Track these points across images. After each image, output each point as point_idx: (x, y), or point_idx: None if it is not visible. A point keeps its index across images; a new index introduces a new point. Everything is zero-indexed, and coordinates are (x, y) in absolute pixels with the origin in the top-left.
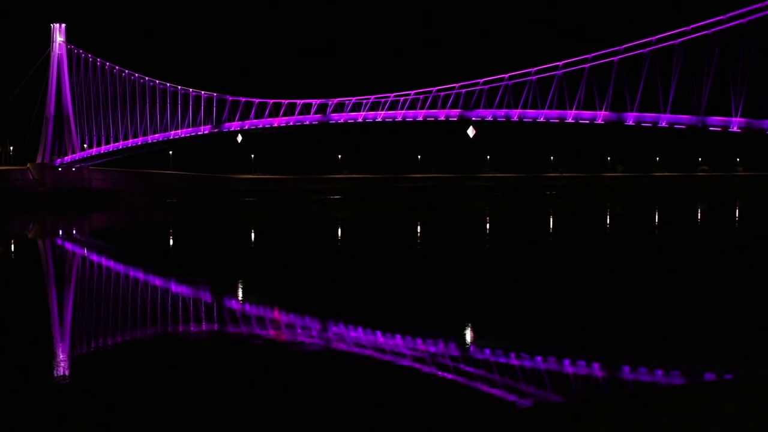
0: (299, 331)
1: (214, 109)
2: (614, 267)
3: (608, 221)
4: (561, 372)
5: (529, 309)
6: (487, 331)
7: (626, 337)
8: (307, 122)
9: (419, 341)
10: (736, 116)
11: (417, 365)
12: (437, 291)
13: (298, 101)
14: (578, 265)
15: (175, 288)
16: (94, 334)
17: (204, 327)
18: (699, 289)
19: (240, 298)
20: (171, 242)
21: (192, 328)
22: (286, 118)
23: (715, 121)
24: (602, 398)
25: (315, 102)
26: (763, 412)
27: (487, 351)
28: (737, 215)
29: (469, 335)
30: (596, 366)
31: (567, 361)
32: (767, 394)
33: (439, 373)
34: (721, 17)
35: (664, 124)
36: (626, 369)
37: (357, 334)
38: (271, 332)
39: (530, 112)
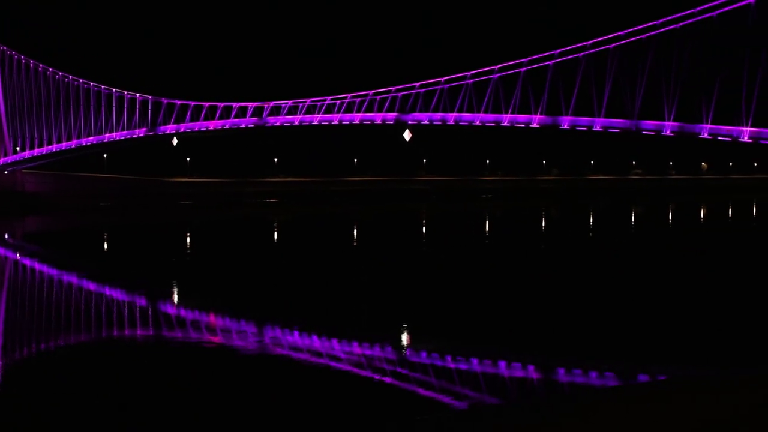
0: (235, 335)
1: (149, 111)
2: (550, 269)
3: (543, 224)
4: (497, 374)
5: (465, 311)
6: (424, 334)
7: (562, 338)
8: (243, 125)
9: (356, 344)
10: (669, 120)
11: (354, 369)
12: (374, 294)
13: (234, 104)
14: (514, 267)
15: (109, 292)
16: (26, 339)
17: (139, 331)
18: (632, 289)
19: (175, 303)
20: (105, 246)
21: (127, 333)
22: (222, 121)
23: (649, 125)
24: (537, 400)
25: (251, 105)
26: (692, 411)
27: (423, 354)
28: (670, 218)
29: (405, 338)
30: (531, 368)
31: (503, 363)
32: (697, 393)
33: (376, 376)
34: (654, 22)
35: (598, 128)
36: (561, 371)
37: (293, 338)
38: (207, 336)
39: (466, 115)
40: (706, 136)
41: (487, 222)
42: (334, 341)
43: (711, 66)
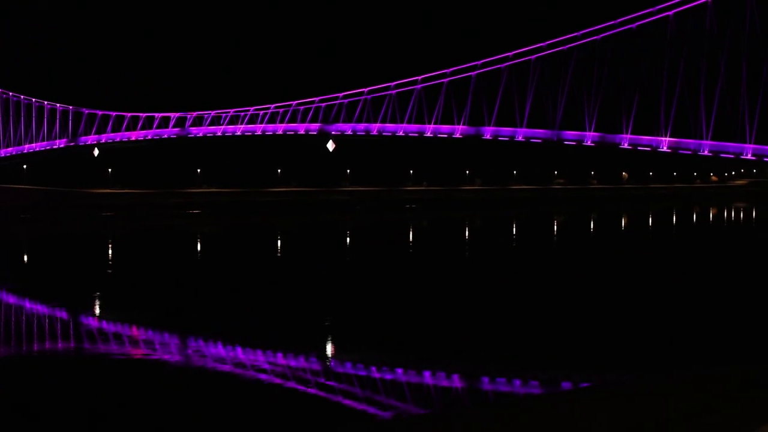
0: (158, 347)
1: (70, 122)
2: (473, 277)
3: (467, 233)
4: (422, 383)
5: (390, 320)
6: (349, 344)
7: (485, 346)
8: (166, 136)
9: (280, 356)
10: (590, 131)
11: (278, 380)
12: (300, 305)
13: (156, 114)
14: (438, 275)
15: (29, 305)
16: None
17: (59, 345)
18: (556, 296)
19: (97, 315)
20: (25, 258)
21: (47, 346)
22: (144, 131)
23: (570, 135)
24: (461, 409)
25: (174, 115)
26: (613, 418)
27: (348, 364)
28: (592, 226)
29: (331, 349)
30: (456, 377)
31: (427, 373)
32: (618, 400)
33: (300, 387)
34: (575, 34)
35: (520, 138)
36: (485, 379)
37: (217, 350)
38: (129, 349)
39: (390, 126)
40: (626, 146)
41: (411, 232)
42: (259, 352)
43: (631, 77)
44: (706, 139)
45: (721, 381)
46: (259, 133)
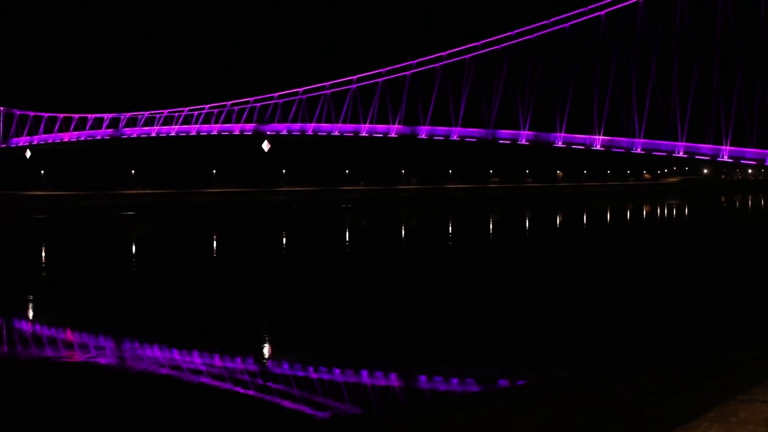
0: (93, 351)
1: (2, 123)
2: (409, 276)
3: (403, 232)
4: (359, 383)
5: (327, 321)
6: (287, 345)
7: (422, 345)
8: (99, 137)
9: (217, 358)
10: (524, 130)
11: (215, 382)
12: (235, 306)
13: (89, 115)
14: (376, 276)
15: None
16: None
17: None
18: (490, 293)
19: (30, 318)
20: None
21: None
22: (77, 132)
23: (505, 134)
24: (398, 408)
25: (107, 116)
26: (546, 415)
27: (286, 365)
28: (527, 225)
29: (267, 350)
30: (393, 376)
31: (365, 372)
32: (553, 397)
33: (237, 389)
34: (509, 33)
35: (455, 138)
36: (423, 378)
37: (153, 352)
38: (64, 352)
39: (325, 125)
40: (560, 144)
41: (347, 231)
42: (195, 354)
43: (564, 76)
44: (639, 138)
45: (654, 377)
46: (193, 133)
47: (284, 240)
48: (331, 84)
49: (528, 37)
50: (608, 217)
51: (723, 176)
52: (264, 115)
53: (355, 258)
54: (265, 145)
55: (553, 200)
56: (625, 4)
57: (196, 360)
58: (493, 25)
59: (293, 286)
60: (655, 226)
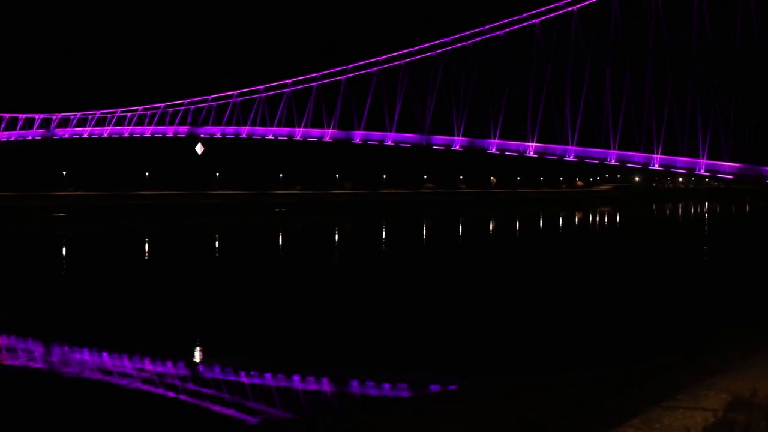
0: (21, 354)
1: None
2: (341, 280)
3: (337, 237)
4: (291, 388)
5: (258, 325)
6: (217, 349)
7: (353, 351)
8: (30, 137)
9: (147, 361)
10: (458, 136)
11: (145, 386)
12: (165, 310)
13: (20, 115)
14: (307, 280)
15: None
16: None
17: None
18: (422, 298)
19: None
20: None
21: None
22: (8, 132)
23: (439, 140)
24: (328, 413)
25: (38, 116)
26: (476, 419)
27: (217, 369)
28: (461, 230)
29: (198, 354)
30: (325, 380)
31: (296, 377)
32: (484, 402)
33: (168, 393)
34: (444, 39)
35: (390, 143)
36: (355, 383)
37: (83, 356)
38: None
39: (259, 129)
40: (494, 151)
41: (280, 236)
42: (125, 358)
43: (499, 83)
44: (572, 145)
45: (582, 384)
46: (126, 135)
47: (215, 244)
48: (265, 87)
49: (463, 43)
50: (540, 224)
51: (654, 184)
52: (198, 118)
53: (284, 263)
54: (199, 148)
55: (487, 206)
56: (560, 12)
57: (126, 364)
58: (428, 31)
59: (224, 290)
60: (584, 233)
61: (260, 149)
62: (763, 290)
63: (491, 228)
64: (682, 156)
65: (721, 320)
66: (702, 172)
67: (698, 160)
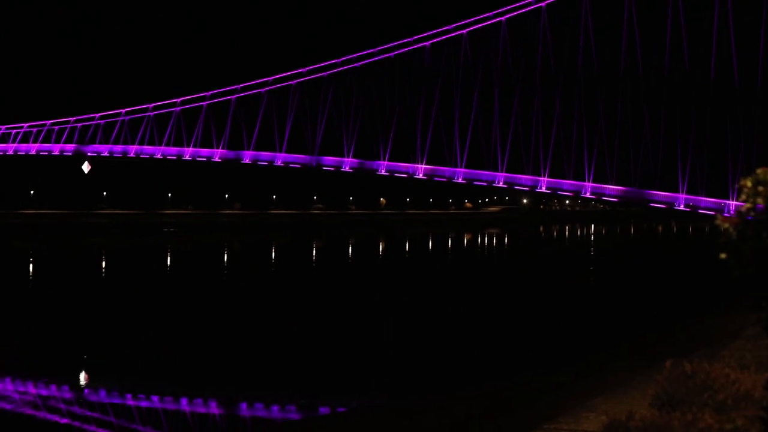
0: None
1: None
2: (229, 304)
3: (226, 259)
4: (179, 411)
5: (146, 348)
6: (103, 372)
7: (244, 372)
8: None
9: (30, 385)
10: (348, 157)
11: (27, 410)
12: (50, 333)
13: None
14: (197, 304)
15: None
16: None
17: None
18: (307, 319)
19: None
20: None
21: None
22: None
23: (329, 161)
24: None
25: None
26: None
27: (103, 393)
28: (350, 252)
29: (84, 377)
30: (213, 404)
31: (184, 400)
32: (372, 424)
33: (52, 417)
34: (335, 60)
35: (279, 163)
36: (243, 405)
37: None
38: None
39: (148, 148)
40: (383, 172)
41: (169, 257)
42: (8, 381)
43: (389, 105)
44: (461, 167)
45: (461, 406)
46: (10, 152)
47: (102, 265)
48: (154, 106)
49: (354, 65)
50: (429, 245)
51: (542, 206)
52: (85, 136)
53: (171, 284)
54: (86, 167)
55: (376, 227)
56: (450, 36)
57: (8, 387)
58: (319, 52)
59: (111, 313)
60: (471, 254)
61: (149, 168)
62: (641, 312)
63: (380, 249)
64: (569, 179)
65: (604, 341)
66: (588, 194)
67: (584, 183)
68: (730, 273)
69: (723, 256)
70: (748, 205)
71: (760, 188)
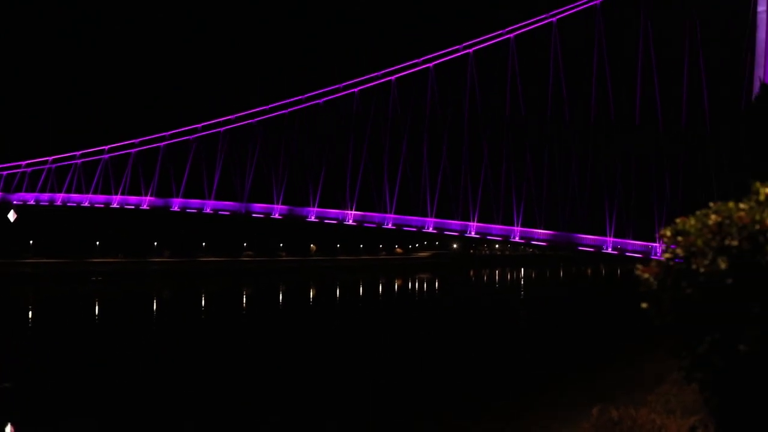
0: None
1: None
2: (158, 354)
3: (155, 306)
4: None
5: (60, 400)
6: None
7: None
8: None
9: None
10: (278, 203)
11: None
12: None
13: None
14: (122, 354)
15: None
16: None
17: None
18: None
19: None
20: None
21: None
22: None
23: (258, 208)
24: None
25: None
26: None
27: None
28: (280, 299)
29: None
30: None
31: None
32: None
33: None
34: (264, 107)
35: (209, 211)
36: None
37: None
38: None
39: (75, 196)
40: (313, 219)
41: (97, 306)
42: None
43: (318, 151)
44: (391, 213)
45: None
46: None
47: (28, 314)
48: (82, 153)
49: (282, 111)
50: (360, 291)
51: (471, 251)
52: (11, 184)
53: (102, 336)
54: (11, 215)
55: (306, 273)
56: (378, 83)
57: None
58: (247, 99)
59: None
60: (402, 299)
61: (76, 216)
62: (567, 355)
63: (310, 296)
64: (498, 223)
65: (529, 385)
66: (517, 239)
67: (513, 228)
68: (651, 322)
69: (644, 305)
70: (667, 255)
71: (679, 238)
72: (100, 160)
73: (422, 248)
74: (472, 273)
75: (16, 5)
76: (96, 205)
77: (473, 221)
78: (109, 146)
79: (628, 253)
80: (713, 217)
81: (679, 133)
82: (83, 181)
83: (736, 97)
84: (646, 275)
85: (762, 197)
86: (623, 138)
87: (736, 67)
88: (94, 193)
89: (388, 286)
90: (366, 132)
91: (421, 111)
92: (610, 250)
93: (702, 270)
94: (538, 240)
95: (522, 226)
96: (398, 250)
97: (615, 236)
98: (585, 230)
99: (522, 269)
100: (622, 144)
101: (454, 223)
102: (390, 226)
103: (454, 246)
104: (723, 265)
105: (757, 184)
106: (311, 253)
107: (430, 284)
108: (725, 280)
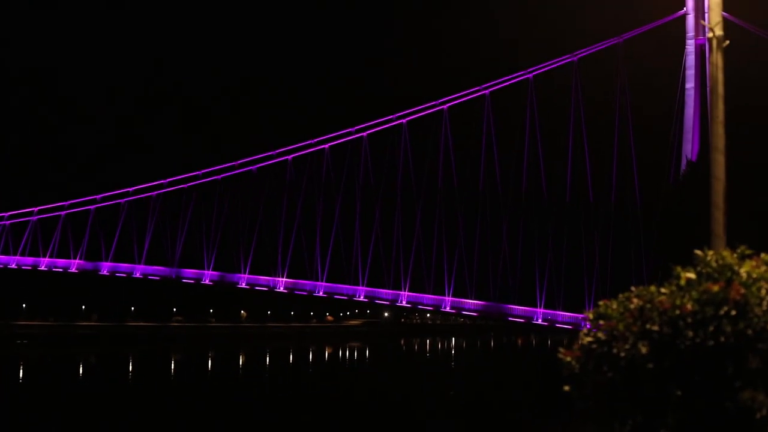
0: None
1: None
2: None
3: (81, 371)
4: None
5: None
6: None
7: None
8: None
9: None
10: (209, 269)
11: None
12: None
13: None
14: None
15: None
16: None
17: None
18: None
19: None
20: None
21: None
22: None
23: (189, 273)
24: None
25: None
26: None
27: None
28: (210, 365)
29: None
30: None
31: None
32: None
33: None
34: (197, 172)
35: (138, 275)
36: None
37: None
38: None
39: (2, 257)
40: (244, 285)
41: (21, 370)
42: None
43: (249, 218)
44: (321, 281)
45: None
46: None
47: None
48: (10, 215)
49: (215, 177)
50: (290, 359)
51: (403, 320)
52: None
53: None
54: None
55: (235, 340)
56: (311, 150)
57: None
58: (179, 164)
59: None
60: (332, 368)
61: (3, 278)
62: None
63: (240, 363)
64: (429, 293)
65: None
66: (448, 309)
67: (444, 298)
68: (572, 405)
69: (566, 388)
70: (589, 339)
71: (602, 322)
72: (28, 221)
73: (353, 316)
74: (403, 342)
75: None
76: (23, 267)
77: (404, 290)
78: (38, 208)
79: (558, 324)
80: (635, 301)
81: (609, 207)
82: (11, 243)
83: (664, 173)
84: (569, 358)
85: (683, 282)
86: (554, 210)
87: (665, 143)
88: (22, 254)
89: (317, 355)
90: (299, 199)
91: (354, 179)
92: (540, 321)
93: (623, 354)
94: (468, 310)
95: (453, 295)
96: (329, 317)
97: (545, 307)
98: (516, 301)
99: (453, 339)
100: (553, 216)
101: (385, 292)
102: (321, 293)
103: (386, 314)
104: (644, 350)
105: (678, 268)
106: (242, 319)
107: (361, 353)
108: (646, 364)
